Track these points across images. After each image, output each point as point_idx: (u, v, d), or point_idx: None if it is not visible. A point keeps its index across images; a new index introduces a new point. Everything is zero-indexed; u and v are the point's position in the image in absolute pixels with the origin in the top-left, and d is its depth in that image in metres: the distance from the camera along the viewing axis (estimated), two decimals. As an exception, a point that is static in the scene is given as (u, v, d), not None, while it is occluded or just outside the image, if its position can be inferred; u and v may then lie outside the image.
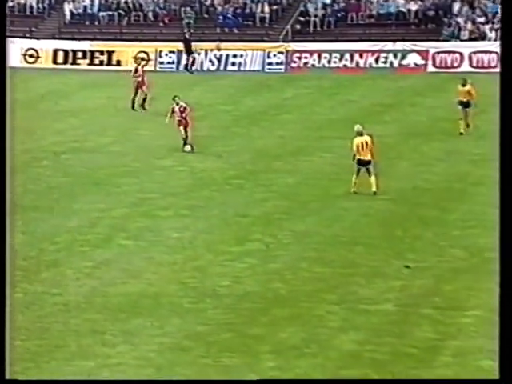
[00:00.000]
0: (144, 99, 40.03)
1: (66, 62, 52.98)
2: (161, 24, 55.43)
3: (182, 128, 32.20)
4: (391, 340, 17.04)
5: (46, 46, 53.26)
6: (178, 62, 52.43)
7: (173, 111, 32.71)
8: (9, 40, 52.95)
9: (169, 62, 52.47)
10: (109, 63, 52.73)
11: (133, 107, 39.96)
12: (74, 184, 28.73)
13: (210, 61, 51.94)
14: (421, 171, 29.40)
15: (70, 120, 38.66)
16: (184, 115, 32.23)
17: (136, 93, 40.04)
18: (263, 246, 22.67)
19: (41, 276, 20.78)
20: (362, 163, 26.13)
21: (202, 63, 52.09)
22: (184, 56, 52.13)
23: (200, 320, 18.35)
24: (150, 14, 55.86)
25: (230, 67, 51.90)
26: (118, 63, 52.65)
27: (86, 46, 53.13)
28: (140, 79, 40.14)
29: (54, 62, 52.98)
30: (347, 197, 26.23)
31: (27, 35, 54.25)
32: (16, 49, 52.93)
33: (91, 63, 52.89)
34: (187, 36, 51.90)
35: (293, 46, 52.18)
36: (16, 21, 55.01)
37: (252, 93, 40.83)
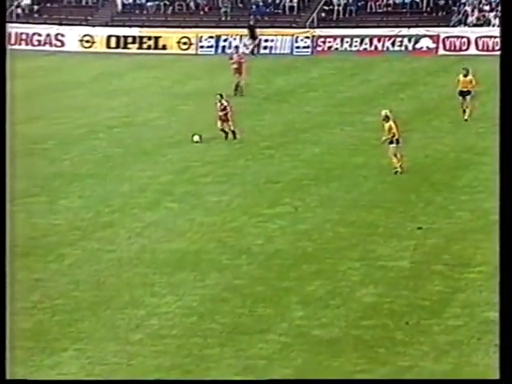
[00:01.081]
0: (238, 85, 37.89)
1: (117, 46, 52.89)
2: (201, 12, 55.17)
3: (220, 123, 30.03)
4: (406, 293, 16.94)
5: (100, 33, 53.16)
6: (217, 46, 52.23)
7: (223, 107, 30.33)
8: (67, 27, 53.03)
9: (208, 46, 52.28)
10: (155, 47, 52.60)
11: (236, 90, 37.74)
12: (125, 154, 28.73)
13: (245, 45, 51.69)
14: (432, 143, 29.17)
15: (122, 98, 38.61)
16: (225, 112, 30.04)
17: (237, 77, 38.03)
18: (292, 208, 22.58)
19: (97, 235, 20.81)
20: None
21: (237, 47, 51.85)
22: (222, 41, 51.87)
23: (236, 274, 18.32)
24: (192, 4, 55.61)
25: (262, 51, 51.62)
26: (164, 47, 52.51)
27: (135, 32, 53.00)
28: (236, 66, 38.60)
29: (108, 46, 52.89)
30: (366, 165, 26.05)
31: (83, 23, 54.12)
32: (74, 35, 52.89)
33: (140, 47, 52.77)
34: (252, 23, 51.52)
35: (318, 31, 51.85)
36: (74, 10, 54.97)
37: (282, 73, 40.63)
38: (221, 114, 29.80)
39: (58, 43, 53.02)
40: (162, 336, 15.54)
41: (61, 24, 53.48)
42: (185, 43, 52.50)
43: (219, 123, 29.83)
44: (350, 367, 14.07)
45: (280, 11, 54.62)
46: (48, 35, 53.11)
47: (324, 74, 45.29)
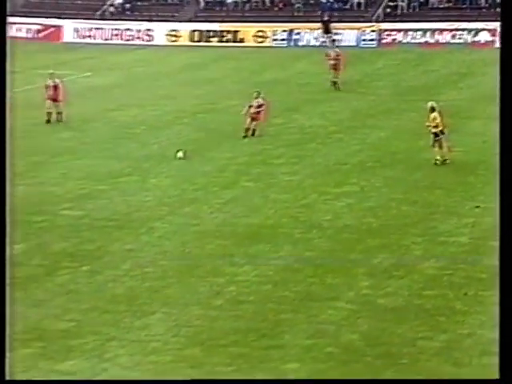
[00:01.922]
0: (335, 81, 36.21)
1: (200, 40, 52.95)
2: (275, 8, 54.89)
3: (249, 120, 28.01)
4: (465, 266, 16.68)
5: (185, 28, 53.32)
6: (289, 39, 51.96)
7: (250, 105, 28.42)
8: (155, 23, 53.28)
9: (282, 39, 51.99)
10: (234, 41, 52.54)
11: (334, 85, 36.26)
12: (207, 138, 28.77)
13: (315, 38, 51.30)
14: (489, 128, 28.58)
15: (205, 87, 38.66)
16: (258, 110, 28.14)
17: (333, 73, 36.47)
18: (359, 188, 22.38)
19: (183, 210, 20.91)
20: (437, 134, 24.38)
21: (308, 40, 51.48)
22: (294, 34, 51.57)
23: (308, 247, 18.25)
24: (267, 1, 55.38)
25: (331, 43, 51.11)
26: (241, 40, 52.40)
27: (216, 27, 53.00)
28: (333, 62, 37.40)
29: (191, 40, 52.99)
30: (428, 149, 25.66)
31: (170, 19, 54.30)
32: (161, 30, 53.15)
33: (220, 41, 52.74)
34: (325, 18, 51.08)
35: (383, 25, 51.19)
36: (161, 8, 55.16)
37: (349, 64, 40.22)
38: (254, 111, 28.09)
39: (148, 38, 53.33)
40: (240, 302, 15.56)
41: (150, 20, 53.75)
42: (260, 36, 52.33)
43: (248, 121, 28.00)
44: (413, 334, 13.92)
45: (348, 7, 54.08)
46: (138, 31, 53.44)
47: (389, 64, 44.72)
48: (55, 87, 30.54)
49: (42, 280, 16.63)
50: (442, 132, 24.12)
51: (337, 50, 37.79)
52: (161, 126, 30.78)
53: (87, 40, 53.25)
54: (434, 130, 24.12)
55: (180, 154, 25.23)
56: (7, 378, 8.53)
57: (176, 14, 55.34)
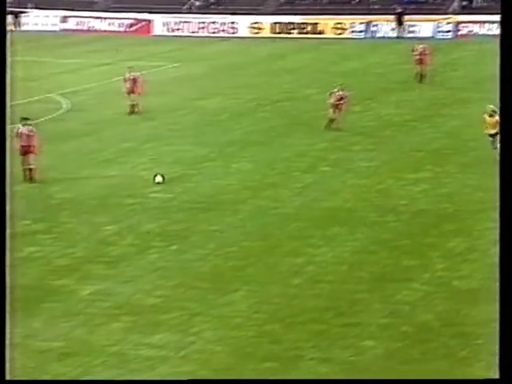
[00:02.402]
0: (421, 75, 34.90)
1: (281, 32, 52.79)
2: (353, 1, 54.34)
3: (331, 110, 27.06)
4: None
5: (266, 20, 53.22)
6: (367, 31, 51.37)
7: (331, 93, 27.63)
8: (239, 16, 53.30)
9: (360, 31, 51.41)
10: (313, 32, 52.26)
11: (419, 80, 34.87)
12: (287, 125, 28.66)
13: (392, 29, 50.59)
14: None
15: (285, 76, 38.53)
16: (341, 102, 27.19)
17: (417, 68, 35.17)
18: (433, 174, 22.01)
19: (264, 194, 20.90)
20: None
21: (386, 32, 50.81)
22: (372, 26, 50.95)
23: (384, 230, 18.04)
24: (346, -6, 54.83)
25: (407, 34, 50.34)
26: (321, 32, 52.08)
27: (296, 19, 52.76)
28: (419, 57, 35.37)
29: (273, 32, 52.90)
30: (501, 137, 25.05)
31: (253, 12, 54.25)
32: (245, 23, 53.19)
33: (300, 33, 52.50)
34: (399, 10, 50.38)
35: (460, 17, 50.16)
36: (245, 1, 55.12)
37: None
38: (336, 103, 27.12)
39: (232, 30, 53.41)
40: (317, 281, 15.49)
41: (234, 13, 53.80)
42: (339, 28, 51.87)
43: (331, 112, 27.06)
44: (486, 315, 13.61)
45: (424, 0, 53.17)
46: (223, 23, 53.55)
47: (464, 55, 43.79)
48: (134, 80, 30.30)
49: (133, 258, 16.84)
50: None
51: (423, 45, 36.73)
52: (243, 113, 30.80)
53: (175, 33, 53.61)
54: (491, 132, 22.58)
55: (159, 179, 21.52)
56: (7, 377, 8.45)
57: (259, 8, 55.25)
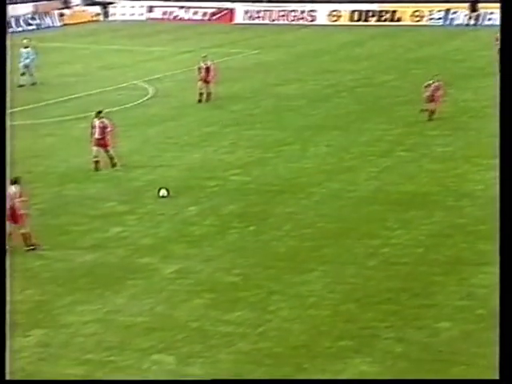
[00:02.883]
0: None
1: (359, 19, 52.31)
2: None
3: (429, 102, 25.84)
4: None
5: (345, 8, 52.78)
6: (445, 18, 50.42)
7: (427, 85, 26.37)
8: (318, 4, 52.90)
9: (438, 18, 50.57)
10: (391, 20, 51.61)
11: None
12: (364, 110, 28.41)
13: (470, 18, 49.52)
14: None
15: (363, 63, 38.16)
16: (437, 93, 25.88)
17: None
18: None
19: (340, 177, 20.75)
20: None
21: (464, 19, 49.78)
22: (451, 14, 49.93)
23: (459, 214, 17.73)
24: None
25: (486, 22, 49.21)
26: (399, 20, 51.39)
27: (375, 7, 52.19)
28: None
29: (351, 20, 52.43)
30: None
31: (332, 0, 53.83)
32: (323, 11, 52.83)
33: (378, 20, 51.94)
34: None
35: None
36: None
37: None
38: (431, 94, 25.97)
39: (311, 18, 53.15)
40: (393, 263, 15.32)
41: (313, 2, 53.51)
42: (417, 16, 51.10)
43: (429, 103, 25.96)
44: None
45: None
46: (303, 12, 53.34)
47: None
48: (207, 69, 29.89)
49: (214, 238, 16.96)
50: None
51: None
52: (320, 98, 30.63)
53: (256, 21, 53.64)
54: None
55: (163, 192, 19.62)
56: (7, 377, 8.50)
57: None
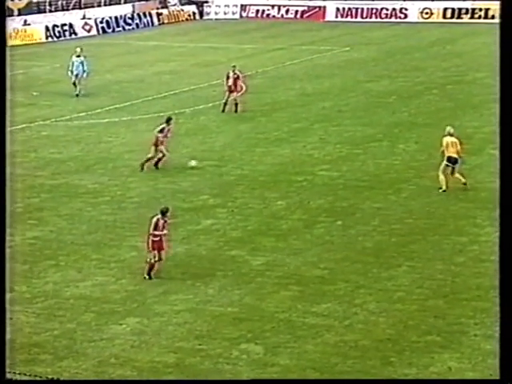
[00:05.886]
0: None
1: (452, 17, 51.39)
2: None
3: None
4: None
5: (437, 6, 51.95)
6: (539, 14, 49.05)
7: None
8: (410, 2, 52.17)
9: (532, 14, 49.27)
10: (485, 17, 50.49)
11: None
12: (455, 107, 27.90)
13: None
14: None
15: (454, 60, 37.46)
16: None
17: None
18: None
19: (430, 174, 20.34)
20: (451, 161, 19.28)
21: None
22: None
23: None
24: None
25: None
26: (493, 17, 50.23)
27: (468, 5, 51.20)
28: None
29: (444, 17, 51.58)
30: None
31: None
32: (415, 9, 52.15)
33: (472, 17, 50.91)
34: None
35: None
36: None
37: None
38: None
39: (402, 15, 52.52)
40: (482, 260, 15.03)
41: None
42: (511, 12, 49.90)
43: None
44: None
45: None
46: (394, 9, 52.79)
47: None
48: (236, 78, 28.18)
49: (301, 232, 16.98)
50: (456, 161, 19.32)
51: None
52: (411, 95, 30.23)
53: (347, 19, 53.33)
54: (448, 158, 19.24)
55: (193, 163, 21.56)
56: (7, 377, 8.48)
57: (429, -7, 53.88)
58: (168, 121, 22.25)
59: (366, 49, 41.73)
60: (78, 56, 31.61)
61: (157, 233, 14.58)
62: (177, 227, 17.50)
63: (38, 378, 11.08)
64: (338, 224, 17.26)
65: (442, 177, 19.14)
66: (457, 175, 19.21)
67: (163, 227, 14.65)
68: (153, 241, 14.61)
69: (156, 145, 21.68)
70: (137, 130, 26.37)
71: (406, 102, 29.10)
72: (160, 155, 21.73)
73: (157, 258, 14.72)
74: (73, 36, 49.29)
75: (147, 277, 14.69)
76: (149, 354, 12.13)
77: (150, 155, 21.70)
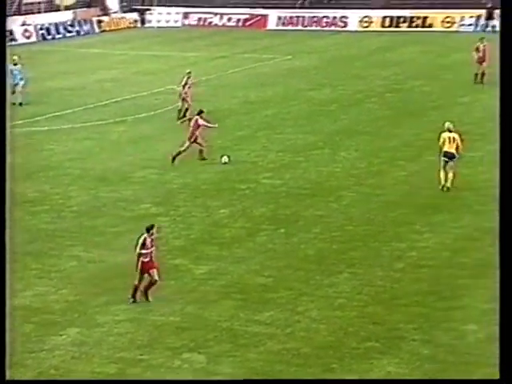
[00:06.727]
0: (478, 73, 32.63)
1: (390, 25, 52.03)
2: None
3: None
4: None
5: (377, 14, 52.53)
6: (476, 25, 49.98)
7: None
8: (350, 11, 52.71)
9: (469, 24, 50.16)
10: (423, 26, 51.27)
11: (478, 78, 32.69)
12: (394, 115, 28.24)
13: (487, 25, 48.91)
14: None
15: (393, 68, 37.92)
16: None
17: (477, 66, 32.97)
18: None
19: (368, 181, 20.67)
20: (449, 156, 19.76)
21: (494, 25, 49.30)
22: (482, 20, 49.49)
23: (488, 218, 17.51)
24: (455, -12, 53.37)
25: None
26: (430, 26, 51.02)
27: (406, 13, 51.91)
28: (480, 55, 32.94)
29: (382, 26, 52.18)
30: None
31: (363, 7, 53.62)
32: (355, 17, 52.65)
33: (409, 26, 51.63)
34: (489, 5, 48.96)
35: None
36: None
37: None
38: None
39: (342, 24, 52.99)
40: (420, 266, 15.23)
41: (344, 8, 53.33)
42: (448, 22, 50.73)
43: None
44: None
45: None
46: (334, 18, 53.22)
47: None
48: (190, 87, 28.04)
49: (244, 240, 16.98)
50: (453, 156, 19.75)
51: (485, 43, 34.46)
52: (351, 103, 30.53)
53: (289, 27, 53.62)
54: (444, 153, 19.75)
55: (225, 159, 22.54)
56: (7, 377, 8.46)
57: (369, 2, 54.55)
58: (200, 113, 23.14)
59: (307, 57, 42.00)
60: (15, 64, 30.92)
61: (145, 251, 13.94)
62: (118, 236, 17.34)
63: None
64: (280, 232, 17.31)
65: (442, 173, 19.43)
66: (449, 174, 19.47)
67: (151, 245, 14.08)
68: (142, 262, 13.94)
69: (191, 139, 22.62)
70: (78, 138, 26.08)
71: (346, 110, 29.38)
72: (200, 147, 22.81)
73: (152, 281, 13.98)
74: (13, 42, 48.53)
75: (132, 299, 14.02)
76: (89, 365, 11.97)
77: (182, 148, 22.56)
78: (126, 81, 36.70)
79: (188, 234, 17.39)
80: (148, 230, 14.20)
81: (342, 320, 13.17)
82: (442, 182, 19.54)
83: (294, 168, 22.13)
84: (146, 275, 14.07)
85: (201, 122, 22.96)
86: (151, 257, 14.12)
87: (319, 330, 12.86)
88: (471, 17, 50.32)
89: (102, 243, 16.97)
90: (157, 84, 34.86)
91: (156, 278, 14.10)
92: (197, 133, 22.77)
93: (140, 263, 14.01)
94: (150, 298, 14.13)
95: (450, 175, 19.60)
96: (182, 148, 22.62)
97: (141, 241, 14.03)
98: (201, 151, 22.99)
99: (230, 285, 14.73)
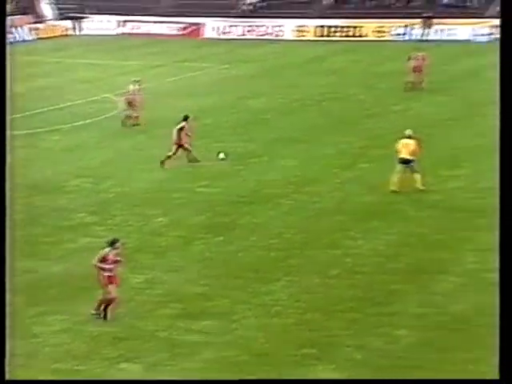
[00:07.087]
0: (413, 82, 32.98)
1: (324, 35, 52.55)
2: (392, 6, 53.74)
3: None
4: None
5: (311, 24, 53.00)
6: (404, 34, 50.83)
7: None
8: (285, 20, 53.07)
9: (398, 34, 50.96)
10: (356, 35, 51.95)
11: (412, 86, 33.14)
12: (330, 123, 28.49)
13: (435, 32, 49.96)
14: None
15: (329, 77, 38.30)
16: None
17: (413, 75, 33.16)
18: (470, 171, 21.63)
19: (305, 189, 20.68)
20: (404, 161, 20.04)
21: (428, 34, 50.22)
22: (416, 29, 50.35)
23: (420, 224, 17.78)
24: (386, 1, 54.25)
25: (445, 37, 49.63)
26: (360, 35, 51.75)
27: (340, 23, 52.47)
28: (415, 64, 33.18)
29: (317, 35, 52.66)
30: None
31: (299, 16, 54.02)
32: (290, 26, 53.01)
33: (343, 35, 52.22)
34: (425, 15, 49.87)
35: (495, 21, 49.30)
36: (292, 5, 54.88)
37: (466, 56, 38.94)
38: None
39: (278, 33, 53.32)
40: (355, 272, 15.38)
41: (280, 17, 53.66)
42: (379, 31, 51.51)
43: None
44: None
45: (462, 4, 52.35)
46: (270, 27, 53.52)
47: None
48: (136, 92, 28.59)
49: (181, 248, 16.89)
50: (408, 161, 20.02)
51: (422, 53, 35.19)
52: (288, 112, 30.71)
53: (225, 36, 53.70)
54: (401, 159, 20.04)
55: (222, 155, 23.53)
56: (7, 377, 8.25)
57: (306, 11, 55.02)
58: (186, 119, 23.43)
59: (244, 66, 42.11)
60: None
61: (106, 266, 13.47)
62: (53, 246, 17.08)
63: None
64: (217, 240, 17.27)
65: (393, 178, 19.82)
66: (415, 176, 19.71)
67: (115, 260, 13.53)
68: (103, 276, 13.45)
69: (177, 143, 22.78)
70: (13, 146, 25.53)
71: (284, 118, 29.53)
72: (186, 151, 23.01)
73: (109, 297, 13.49)
74: None
75: (94, 313, 13.56)
76: (25, 377, 11.73)
77: (170, 153, 22.69)
78: (61, 89, 36.22)
79: (124, 243, 17.20)
80: (112, 243, 13.66)
81: (279, 327, 13.21)
82: (392, 186, 19.88)
83: (232, 176, 22.13)
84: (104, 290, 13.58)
85: (186, 127, 23.25)
86: (112, 272, 13.54)
87: (256, 338, 12.87)
88: (401, 26, 51.19)
89: (37, 253, 16.69)
90: (93, 92, 34.51)
91: (113, 295, 13.55)
92: (183, 138, 23.00)
93: (102, 277, 13.53)
94: (108, 317, 13.54)
95: (417, 176, 19.85)
96: (170, 153, 22.78)
97: (101, 254, 13.53)
98: (189, 155, 23.18)
99: (167, 294, 14.64)
